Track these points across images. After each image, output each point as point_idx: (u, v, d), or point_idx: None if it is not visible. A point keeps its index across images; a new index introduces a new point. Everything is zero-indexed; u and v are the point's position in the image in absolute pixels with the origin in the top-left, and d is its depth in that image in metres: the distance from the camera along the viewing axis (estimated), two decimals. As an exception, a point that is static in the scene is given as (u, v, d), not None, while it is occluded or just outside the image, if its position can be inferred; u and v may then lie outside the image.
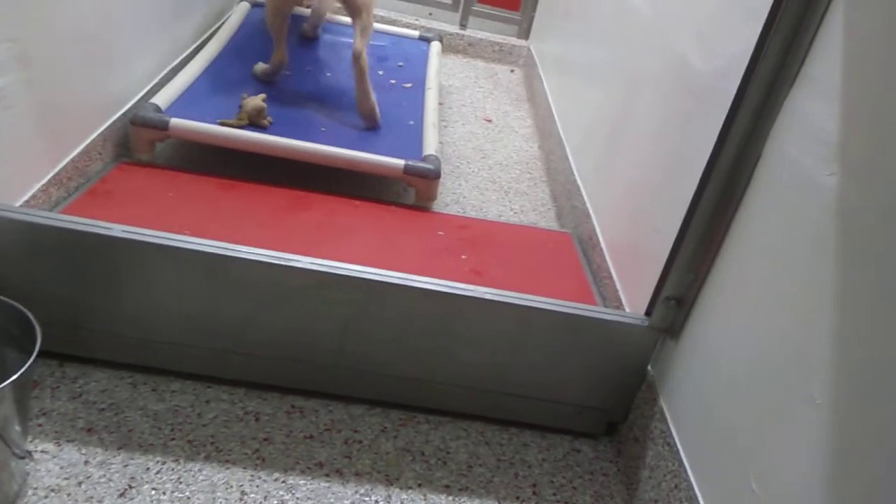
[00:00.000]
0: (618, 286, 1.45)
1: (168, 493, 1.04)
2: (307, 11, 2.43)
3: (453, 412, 1.29)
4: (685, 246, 1.12)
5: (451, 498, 1.14)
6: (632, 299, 1.37)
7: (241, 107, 1.77)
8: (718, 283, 1.08)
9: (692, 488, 1.03)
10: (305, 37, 2.39)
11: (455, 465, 1.19)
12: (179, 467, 1.08)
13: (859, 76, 0.83)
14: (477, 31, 3.16)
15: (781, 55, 0.97)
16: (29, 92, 1.29)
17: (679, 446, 1.09)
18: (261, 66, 2.04)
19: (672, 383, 1.16)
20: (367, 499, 1.10)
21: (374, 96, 1.90)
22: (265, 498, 1.07)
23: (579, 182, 1.87)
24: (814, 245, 0.86)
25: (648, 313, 1.19)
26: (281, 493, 1.08)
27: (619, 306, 1.41)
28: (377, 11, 3.09)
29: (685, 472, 1.06)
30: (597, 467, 1.25)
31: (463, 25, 3.18)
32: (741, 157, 1.04)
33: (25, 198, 1.33)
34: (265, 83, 2.03)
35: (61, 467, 1.05)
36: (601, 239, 1.61)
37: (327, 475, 1.12)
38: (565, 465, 1.24)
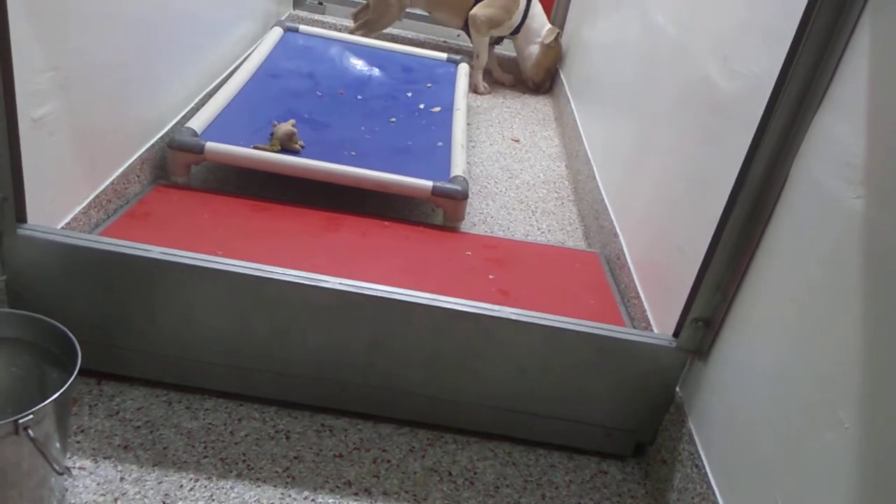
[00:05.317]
0: (646, 306, 1.45)
1: (201, 510, 1.06)
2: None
3: (481, 432, 1.29)
4: (713, 266, 1.12)
5: (478, 518, 1.14)
6: (660, 320, 1.37)
7: (272, 133, 1.81)
8: (746, 304, 1.07)
9: (721, 512, 1.02)
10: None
11: (482, 486, 1.20)
12: (212, 485, 1.10)
13: (886, 99, 0.83)
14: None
15: (808, 77, 0.97)
16: (70, 118, 1.33)
17: (707, 469, 1.09)
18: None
19: (700, 405, 1.15)
20: (395, 518, 1.12)
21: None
22: (295, 516, 1.09)
23: (606, 201, 1.87)
24: (841, 268, 0.86)
25: (676, 334, 1.19)
26: (310, 511, 1.10)
27: (648, 327, 1.40)
28: (406, 33, 3.14)
29: (714, 494, 1.05)
30: (624, 489, 1.24)
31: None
32: (769, 178, 1.04)
33: (66, 220, 1.37)
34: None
35: (98, 484, 1.07)
36: (629, 258, 1.61)
37: (356, 494, 1.14)
38: (593, 486, 1.24)
